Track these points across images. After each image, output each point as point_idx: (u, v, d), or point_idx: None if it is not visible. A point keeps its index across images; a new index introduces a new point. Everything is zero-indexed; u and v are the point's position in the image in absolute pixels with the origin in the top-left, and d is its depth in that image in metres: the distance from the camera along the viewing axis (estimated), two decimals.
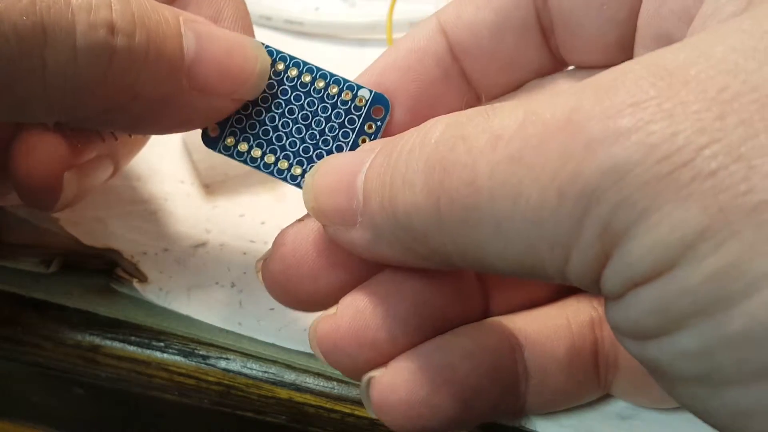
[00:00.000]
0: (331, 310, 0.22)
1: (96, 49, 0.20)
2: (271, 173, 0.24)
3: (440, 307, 0.22)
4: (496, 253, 0.17)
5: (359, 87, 0.24)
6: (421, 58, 0.25)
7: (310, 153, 0.24)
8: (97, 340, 0.28)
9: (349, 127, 0.24)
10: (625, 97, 0.15)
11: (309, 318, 0.27)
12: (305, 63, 0.24)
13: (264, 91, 0.24)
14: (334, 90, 0.24)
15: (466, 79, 0.25)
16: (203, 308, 0.28)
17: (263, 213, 0.31)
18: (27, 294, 0.28)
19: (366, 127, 0.24)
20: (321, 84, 0.24)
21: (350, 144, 0.24)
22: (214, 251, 0.29)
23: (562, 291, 0.25)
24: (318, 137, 0.24)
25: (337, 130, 0.24)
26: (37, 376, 0.29)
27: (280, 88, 0.24)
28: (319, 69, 0.24)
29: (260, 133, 0.24)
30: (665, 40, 0.21)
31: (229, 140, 0.24)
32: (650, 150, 0.15)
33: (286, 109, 0.24)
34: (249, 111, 0.24)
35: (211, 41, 0.23)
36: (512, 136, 0.17)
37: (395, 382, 0.21)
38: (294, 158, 0.24)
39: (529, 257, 0.17)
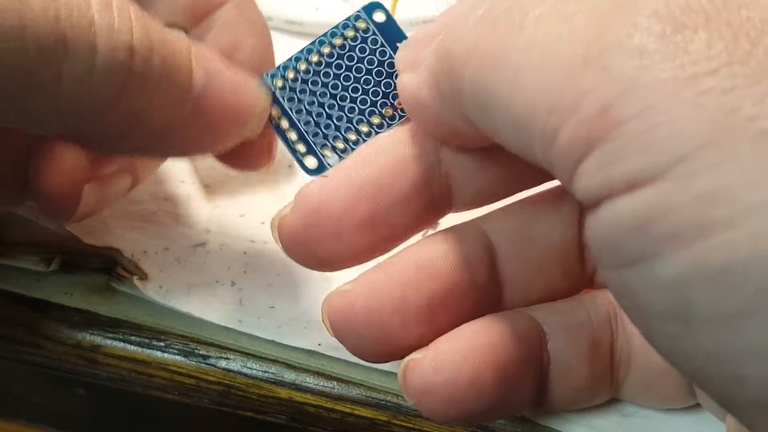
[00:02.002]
0: (347, 286, 0.22)
1: (113, 69, 0.21)
2: (378, 134, 0.24)
3: (455, 298, 0.22)
4: (503, 102, 0.17)
5: (350, 18, 0.24)
6: None
7: (380, 93, 0.24)
8: (98, 340, 0.28)
9: (378, 47, 0.24)
10: (681, 0, 0.15)
11: (309, 316, 0.27)
12: (302, 50, 0.24)
13: (304, 98, 0.24)
14: (339, 41, 0.24)
15: None
16: (203, 306, 0.28)
17: (263, 213, 0.31)
18: (27, 293, 0.28)
19: (387, 37, 0.24)
20: (327, 49, 0.24)
21: (393, 55, 0.24)
22: (214, 251, 0.29)
23: (575, 287, 0.25)
24: (372, 78, 0.24)
25: (375, 60, 0.24)
26: (37, 376, 0.29)
27: (310, 82, 0.24)
28: (314, 43, 0.24)
29: (336, 122, 0.24)
30: None
31: (327, 152, 0.24)
32: (683, 51, 0.15)
33: (330, 89, 0.24)
34: (312, 122, 0.24)
35: (218, 78, 0.23)
36: (573, 0, 0.17)
37: (439, 363, 0.21)
38: (376, 108, 0.24)
39: (527, 117, 0.17)
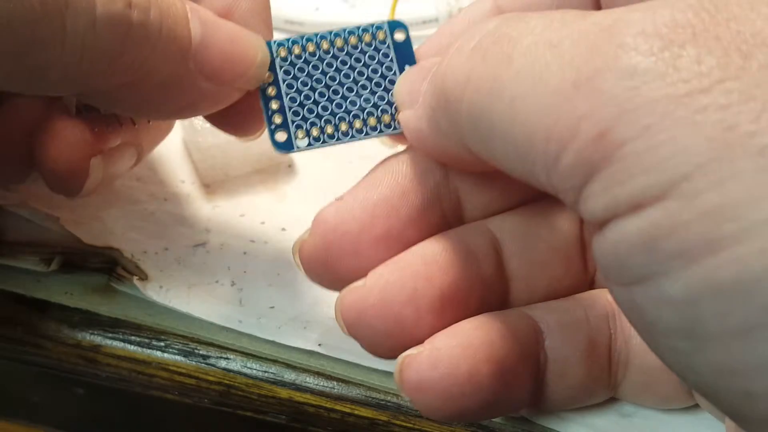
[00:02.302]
0: (359, 282, 0.22)
1: (114, 20, 0.21)
2: (353, 138, 0.25)
3: (464, 292, 0.23)
4: (501, 132, 0.18)
5: (372, 25, 0.25)
6: None
7: (371, 101, 0.25)
8: (98, 340, 0.28)
9: (387, 61, 0.25)
10: (667, 18, 0.16)
11: (309, 316, 0.27)
12: (316, 34, 0.25)
13: (300, 76, 0.25)
14: (354, 40, 0.25)
15: None
16: (203, 306, 0.28)
17: (263, 213, 0.31)
18: (27, 293, 0.28)
19: (400, 55, 0.25)
20: (340, 43, 0.25)
21: (399, 74, 0.25)
22: (214, 251, 0.29)
23: (578, 285, 0.25)
24: (369, 85, 0.25)
25: (380, 71, 0.25)
26: (37, 376, 0.29)
27: (311, 64, 0.25)
28: (329, 32, 0.25)
29: (320, 111, 0.25)
30: None
31: (300, 134, 0.25)
32: (673, 68, 0.15)
33: (328, 79, 0.25)
34: (298, 100, 0.25)
35: (215, 29, 0.23)
36: (560, 27, 0.17)
37: (436, 358, 0.21)
38: (362, 113, 0.25)
39: (526, 144, 0.17)
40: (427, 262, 0.22)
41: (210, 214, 0.30)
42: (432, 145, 0.22)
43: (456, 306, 0.22)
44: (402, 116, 0.23)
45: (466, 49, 0.19)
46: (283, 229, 0.30)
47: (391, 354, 0.22)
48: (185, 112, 0.25)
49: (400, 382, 0.22)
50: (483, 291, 0.23)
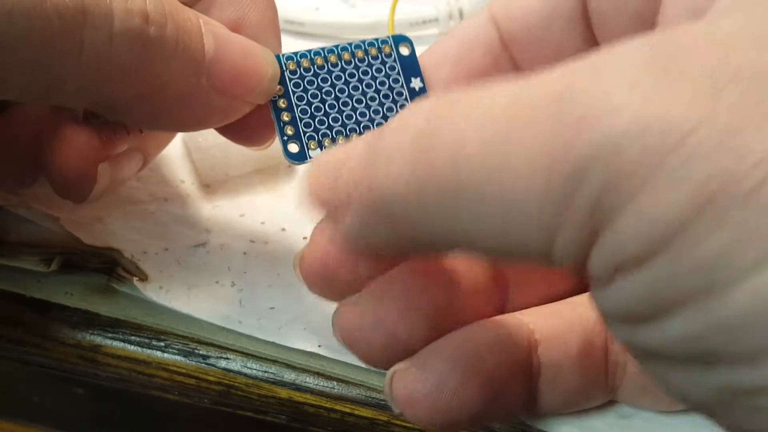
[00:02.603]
0: (353, 298, 0.22)
1: (131, 35, 0.21)
2: None
3: (459, 302, 0.23)
4: (479, 233, 0.17)
5: (377, 40, 0.26)
6: (471, 49, 0.25)
7: (381, 112, 0.25)
8: (98, 340, 0.28)
9: (394, 74, 0.25)
10: (622, 73, 0.15)
11: (309, 317, 0.27)
12: (323, 48, 0.25)
13: (309, 89, 0.25)
14: (360, 54, 0.25)
15: (516, 68, 0.26)
16: (203, 307, 0.28)
17: (263, 213, 0.31)
18: (27, 293, 0.28)
19: (405, 68, 0.26)
20: (347, 56, 0.25)
21: (405, 86, 0.25)
22: (214, 251, 0.29)
23: (576, 288, 0.25)
24: (378, 96, 0.25)
25: (387, 84, 0.25)
26: (37, 376, 0.29)
27: (320, 77, 0.25)
28: (336, 46, 0.26)
29: (330, 122, 0.25)
30: None
31: (313, 144, 0.25)
32: (644, 128, 0.14)
33: (337, 91, 0.25)
34: (309, 112, 0.25)
35: (227, 44, 0.24)
36: (505, 108, 0.16)
37: (424, 373, 0.21)
38: (372, 124, 0.25)
39: (512, 237, 0.16)
40: (422, 273, 0.22)
41: (210, 214, 0.30)
42: (382, 246, 0.20)
43: (451, 317, 0.22)
44: (337, 231, 0.20)
45: (400, 155, 0.17)
46: (283, 229, 0.30)
47: (389, 366, 0.22)
48: (196, 125, 0.25)
49: (390, 396, 0.22)
50: (479, 299, 0.23)
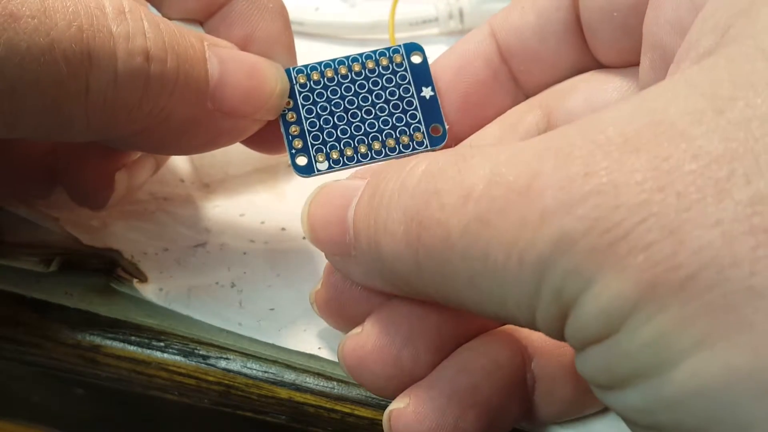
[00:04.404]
0: (357, 329, 0.23)
1: (133, 74, 0.22)
2: (373, 159, 0.25)
3: (463, 326, 0.23)
4: (473, 303, 0.19)
5: (388, 49, 0.25)
6: (472, 61, 0.26)
7: (390, 123, 0.25)
8: (98, 340, 0.28)
9: (405, 83, 0.25)
10: (579, 166, 0.16)
11: (308, 318, 0.27)
12: (333, 60, 0.25)
13: (319, 101, 0.25)
14: (371, 65, 0.25)
15: (514, 79, 0.27)
16: (203, 308, 0.28)
17: (263, 213, 0.31)
18: (27, 294, 0.28)
19: (416, 77, 0.25)
20: (357, 68, 0.25)
21: (415, 95, 0.25)
22: (214, 251, 0.29)
23: None
24: (387, 107, 0.25)
25: (397, 94, 0.25)
26: (37, 376, 0.29)
27: (329, 89, 0.25)
28: (346, 57, 0.25)
29: (339, 134, 0.25)
30: (660, 50, 0.22)
31: (321, 157, 0.25)
32: (594, 222, 0.15)
33: (346, 103, 0.25)
34: (318, 125, 0.25)
35: (233, 66, 0.24)
36: (480, 197, 0.18)
37: (423, 412, 0.21)
38: (380, 135, 0.25)
39: (502, 310, 0.18)
40: (422, 300, 0.22)
41: (210, 214, 0.30)
42: (386, 289, 0.22)
43: (455, 341, 0.23)
44: (340, 266, 0.23)
45: (392, 225, 0.19)
46: (283, 229, 0.30)
47: (395, 395, 0.23)
48: (205, 147, 0.26)
49: None
50: (482, 320, 0.23)
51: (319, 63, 0.25)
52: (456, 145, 0.26)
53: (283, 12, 0.26)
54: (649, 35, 0.22)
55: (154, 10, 0.26)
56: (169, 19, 0.25)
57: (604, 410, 0.25)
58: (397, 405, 0.22)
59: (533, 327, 0.18)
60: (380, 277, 0.21)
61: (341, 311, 0.24)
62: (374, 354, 0.22)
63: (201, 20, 0.25)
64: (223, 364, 0.27)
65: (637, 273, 0.15)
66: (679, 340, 0.15)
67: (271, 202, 0.31)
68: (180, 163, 0.32)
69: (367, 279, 0.22)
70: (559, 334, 0.17)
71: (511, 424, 0.23)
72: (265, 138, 0.26)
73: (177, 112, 0.23)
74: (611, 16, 0.24)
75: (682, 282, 0.15)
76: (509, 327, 0.24)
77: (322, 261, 0.27)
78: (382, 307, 0.23)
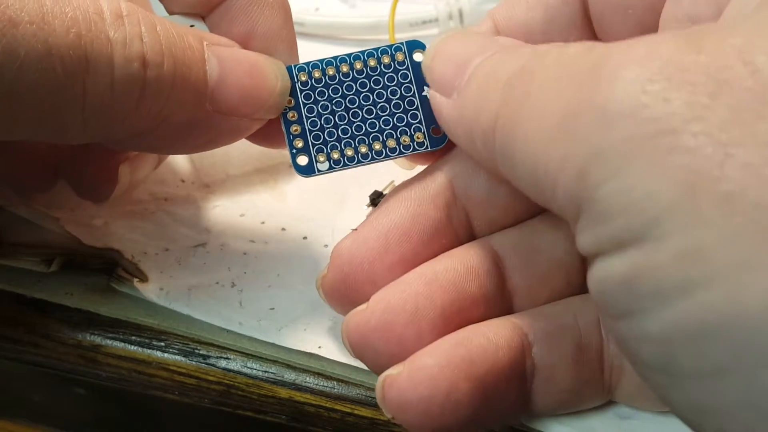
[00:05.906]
0: (363, 306, 0.23)
1: (130, 80, 0.22)
2: (374, 160, 0.25)
3: (467, 310, 0.23)
4: (521, 158, 0.18)
5: (390, 47, 0.25)
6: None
7: (391, 123, 0.25)
8: (98, 340, 0.28)
9: (406, 82, 0.25)
10: (642, 51, 0.16)
11: (309, 318, 0.27)
12: (335, 57, 0.25)
13: (320, 100, 0.25)
14: (373, 63, 0.25)
15: None
16: (204, 308, 0.28)
17: (263, 213, 0.31)
18: (28, 294, 0.29)
19: (418, 76, 0.25)
20: (359, 66, 0.25)
21: (417, 95, 0.25)
22: (214, 251, 0.29)
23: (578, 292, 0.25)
24: (388, 107, 0.25)
25: (398, 93, 0.25)
26: (37, 376, 0.29)
27: (331, 88, 0.25)
28: (348, 55, 0.25)
29: (340, 134, 0.25)
30: None
31: (321, 157, 0.25)
32: (641, 106, 0.15)
33: (347, 102, 0.25)
34: (319, 124, 0.25)
35: (232, 65, 0.24)
36: (566, 63, 0.18)
37: (416, 378, 0.21)
38: (381, 135, 0.25)
39: (536, 171, 0.18)
40: (428, 281, 0.23)
41: (210, 214, 0.31)
42: (459, 136, 0.22)
43: (458, 324, 0.23)
44: (437, 103, 0.23)
45: (496, 85, 0.20)
46: (283, 229, 0.30)
47: None
48: (206, 146, 0.26)
49: (382, 401, 0.22)
50: (485, 308, 0.23)
51: (321, 60, 0.25)
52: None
53: (284, 6, 0.26)
54: (667, 30, 0.22)
55: (158, 4, 0.26)
56: (172, 12, 0.25)
57: (603, 408, 0.25)
58: (392, 371, 0.22)
59: (556, 202, 0.17)
60: (465, 126, 0.21)
61: (347, 296, 0.24)
62: (378, 331, 0.22)
63: (203, 14, 0.25)
64: (223, 363, 0.27)
65: (678, 174, 0.14)
66: (716, 257, 0.14)
67: (272, 203, 0.31)
68: (180, 163, 0.32)
69: (453, 123, 0.22)
70: (573, 220, 0.17)
71: (509, 412, 0.23)
72: (267, 132, 0.26)
73: (175, 115, 0.23)
74: (625, 11, 0.24)
75: (728, 194, 0.14)
76: (508, 316, 0.24)
77: (322, 261, 0.28)
78: (388, 286, 0.23)
